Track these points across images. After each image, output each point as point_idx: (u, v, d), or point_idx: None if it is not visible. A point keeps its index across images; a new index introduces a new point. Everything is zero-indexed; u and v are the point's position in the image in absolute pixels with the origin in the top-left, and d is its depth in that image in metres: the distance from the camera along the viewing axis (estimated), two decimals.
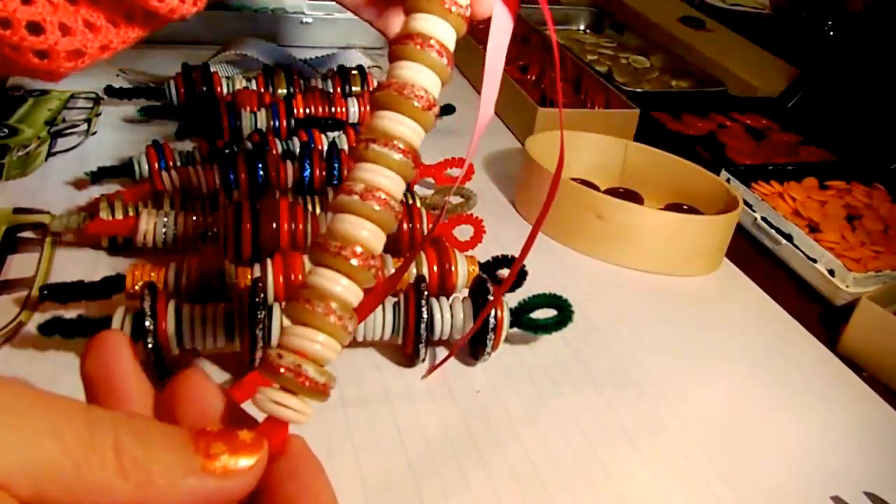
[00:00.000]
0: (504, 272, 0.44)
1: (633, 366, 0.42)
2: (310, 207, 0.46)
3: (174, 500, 0.17)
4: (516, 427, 0.36)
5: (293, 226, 0.42)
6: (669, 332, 0.45)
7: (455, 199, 0.51)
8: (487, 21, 0.28)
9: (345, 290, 0.21)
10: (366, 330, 0.37)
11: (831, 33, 0.92)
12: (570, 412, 0.38)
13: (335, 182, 0.48)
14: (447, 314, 0.38)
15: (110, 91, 0.59)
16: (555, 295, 0.40)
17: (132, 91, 0.59)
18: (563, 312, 0.40)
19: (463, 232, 0.47)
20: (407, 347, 0.38)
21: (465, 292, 0.41)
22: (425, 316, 0.37)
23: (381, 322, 0.37)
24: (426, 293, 0.37)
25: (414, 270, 0.41)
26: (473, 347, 0.39)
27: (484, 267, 0.44)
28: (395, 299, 0.38)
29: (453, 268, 0.41)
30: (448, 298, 0.39)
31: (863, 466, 0.38)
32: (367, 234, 0.22)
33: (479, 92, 0.28)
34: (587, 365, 0.41)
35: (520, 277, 0.43)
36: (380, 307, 0.37)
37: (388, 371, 0.39)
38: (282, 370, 0.20)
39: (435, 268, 0.41)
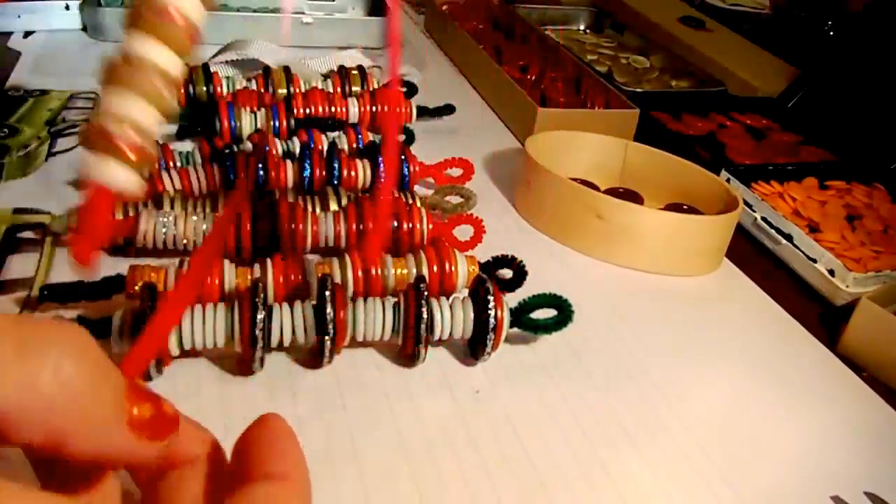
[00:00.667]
0: (505, 272, 0.44)
1: (633, 366, 0.42)
2: (310, 207, 0.46)
3: (100, 446, 0.17)
4: (516, 427, 0.36)
5: (292, 226, 0.42)
6: (669, 332, 0.45)
7: (455, 199, 0.51)
8: None
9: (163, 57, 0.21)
10: (366, 330, 0.37)
11: (831, 33, 0.92)
12: (570, 412, 0.38)
13: (335, 182, 0.48)
14: (447, 314, 0.38)
15: None
16: (555, 295, 0.41)
17: None
18: (563, 312, 0.40)
19: (463, 232, 0.47)
20: (407, 348, 0.38)
21: (465, 292, 0.41)
22: (425, 316, 0.37)
23: (381, 322, 0.37)
24: (426, 293, 0.37)
25: (414, 270, 0.41)
26: (473, 347, 0.39)
27: (484, 267, 0.44)
28: (395, 300, 0.38)
29: (453, 268, 0.41)
30: (448, 298, 0.39)
31: (863, 466, 0.38)
32: None
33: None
34: (587, 365, 0.41)
35: (519, 277, 0.43)
36: (380, 307, 0.37)
37: (388, 371, 0.39)
38: (98, 136, 0.20)
39: (435, 268, 0.41)
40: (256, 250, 0.42)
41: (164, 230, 0.42)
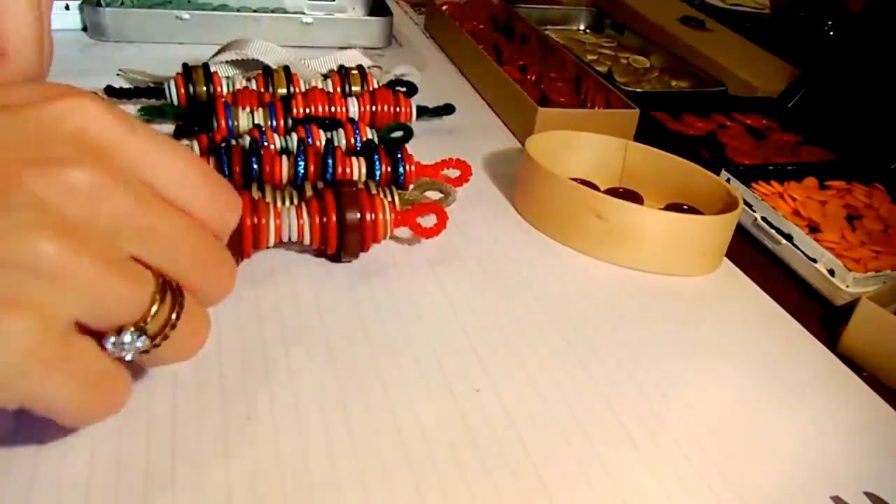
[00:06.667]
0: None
1: (633, 365, 0.42)
2: (271, 201, 0.44)
3: None
4: (516, 426, 0.36)
5: (254, 221, 0.42)
6: (669, 332, 0.45)
7: (434, 195, 0.51)
8: None
9: None
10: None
11: (831, 33, 0.92)
12: (571, 412, 0.38)
13: (328, 177, 0.48)
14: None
15: (110, 91, 0.59)
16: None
17: (132, 91, 0.59)
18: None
19: (428, 220, 0.47)
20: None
21: None
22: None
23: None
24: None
25: None
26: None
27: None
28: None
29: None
30: None
31: (863, 466, 0.38)
32: None
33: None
34: (587, 365, 0.41)
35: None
36: None
37: (388, 369, 0.39)
38: None
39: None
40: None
41: None
